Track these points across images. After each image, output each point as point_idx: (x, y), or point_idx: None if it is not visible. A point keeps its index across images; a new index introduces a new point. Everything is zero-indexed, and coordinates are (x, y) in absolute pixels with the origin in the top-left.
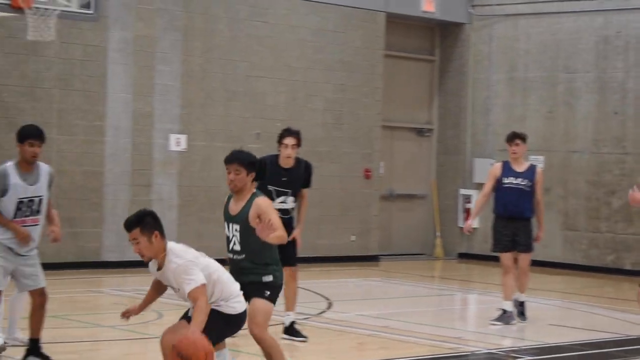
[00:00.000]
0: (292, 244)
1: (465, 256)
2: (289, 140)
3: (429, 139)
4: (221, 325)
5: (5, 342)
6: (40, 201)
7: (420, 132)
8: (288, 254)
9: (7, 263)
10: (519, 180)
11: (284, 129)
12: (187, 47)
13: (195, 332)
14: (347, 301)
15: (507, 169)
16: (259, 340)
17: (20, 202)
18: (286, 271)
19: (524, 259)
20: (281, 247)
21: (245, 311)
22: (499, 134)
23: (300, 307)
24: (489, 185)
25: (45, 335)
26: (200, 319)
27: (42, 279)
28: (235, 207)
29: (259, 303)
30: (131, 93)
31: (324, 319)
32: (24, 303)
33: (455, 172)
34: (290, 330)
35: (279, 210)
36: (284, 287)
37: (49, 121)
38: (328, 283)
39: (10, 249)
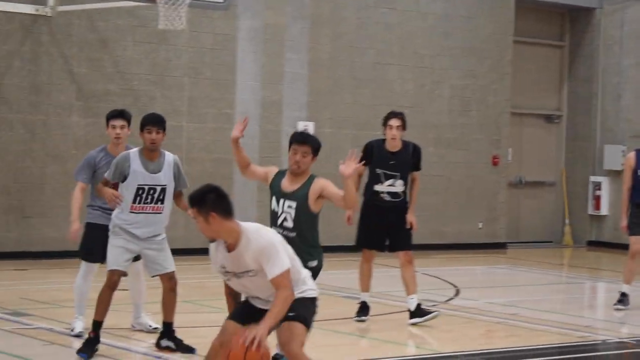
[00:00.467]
0: (407, 228)
1: (594, 244)
2: (394, 122)
3: (558, 126)
4: (313, 310)
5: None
6: (162, 190)
7: (549, 118)
8: (403, 238)
9: (128, 245)
10: None
11: (389, 111)
12: (315, 34)
13: (264, 335)
14: (475, 288)
15: None
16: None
17: (140, 189)
18: (402, 256)
19: None
20: (396, 231)
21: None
22: (630, 120)
23: (428, 294)
24: (628, 176)
25: (176, 320)
26: (280, 309)
27: (170, 264)
28: (290, 185)
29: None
30: (260, 81)
31: (452, 307)
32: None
33: (585, 159)
34: (418, 312)
35: (388, 193)
36: (401, 271)
37: (179, 109)
38: (455, 270)
39: (131, 232)
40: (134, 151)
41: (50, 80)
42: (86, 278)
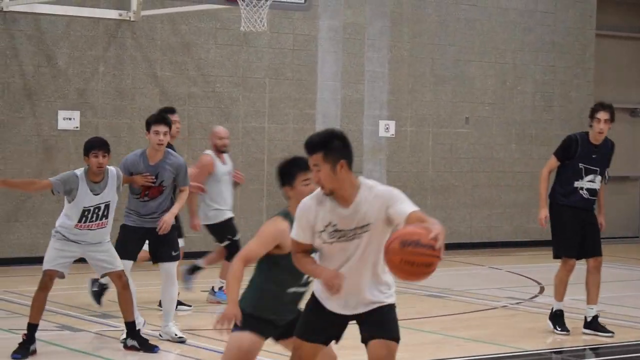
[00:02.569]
0: (597, 232)
1: None
2: (602, 115)
3: None
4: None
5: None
6: (106, 206)
7: (634, 112)
8: (597, 242)
9: (69, 247)
10: None
11: (597, 102)
12: (395, 32)
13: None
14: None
15: None
16: None
17: (86, 210)
18: (592, 262)
19: None
20: (590, 234)
21: None
22: None
23: (512, 292)
24: None
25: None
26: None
27: (117, 263)
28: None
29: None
30: (340, 80)
31: (536, 304)
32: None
33: None
34: (594, 325)
35: (587, 190)
36: (587, 278)
37: (261, 110)
38: (539, 267)
39: (75, 241)
40: (80, 173)
41: (134, 85)
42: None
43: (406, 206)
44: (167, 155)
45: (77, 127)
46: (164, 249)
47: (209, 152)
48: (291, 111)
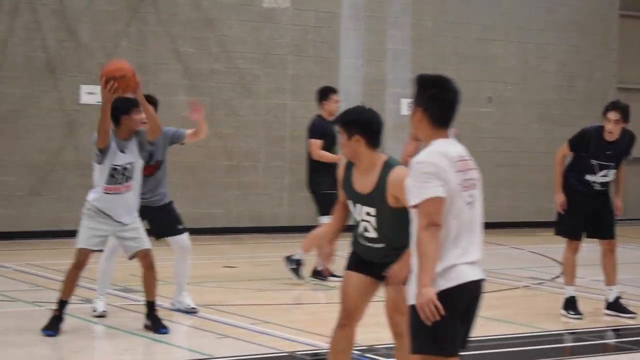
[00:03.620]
0: (611, 215)
1: None
2: (612, 115)
3: None
4: None
5: (104, 311)
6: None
7: None
8: (610, 225)
9: (101, 226)
10: None
11: (611, 101)
12: (418, 10)
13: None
14: (581, 266)
15: None
16: (400, 337)
17: (114, 169)
18: (606, 244)
19: None
20: (602, 217)
21: None
22: None
23: (534, 272)
24: None
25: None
26: None
27: (144, 242)
28: (362, 181)
29: (405, 291)
30: (362, 58)
31: (558, 284)
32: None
33: None
34: (615, 306)
35: (600, 183)
36: (602, 260)
37: (283, 87)
38: (561, 248)
39: (106, 214)
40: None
41: (157, 60)
42: (110, 257)
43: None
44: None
45: (99, 102)
46: (167, 224)
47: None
48: (313, 88)
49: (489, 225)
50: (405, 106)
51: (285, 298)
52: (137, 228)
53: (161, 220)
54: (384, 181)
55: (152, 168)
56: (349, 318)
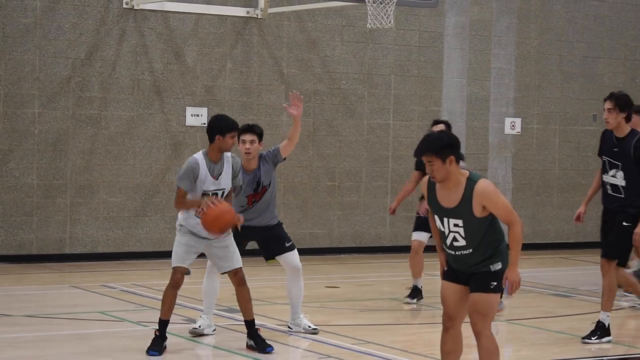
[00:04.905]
0: (618, 232)
1: None
2: (606, 104)
3: None
4: None
5: (199, 326)
6: (223, 194)
7: None
8: (607, 243)
9: (193, 243)
10: None
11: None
12: (522, 29)
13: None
14: None
15: None
16: (478, 336)
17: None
18: (602, 263)
19: None
20: (613, 235)
21: None
22: None
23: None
24: None
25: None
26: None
27: (235, 261)
28: (448, 197)
29: (484, 296)
30: (466, 77)
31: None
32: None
33: None
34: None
35: (610, 185)
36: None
37: (386, 107)
38: None
39: (197, 233)
40: (200, 156)
41: (261, 81)
42: (210, 275)
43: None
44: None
45: (204, 124)
46: (276, 244)
47: None
48: (416, 108)
49: (594, 245)
50: (509, 125)
51: (387, 318)
52: (227, 246)
53: (270, 241)
54: (469, 194)
55: (259, 194)
56: (451, 321)
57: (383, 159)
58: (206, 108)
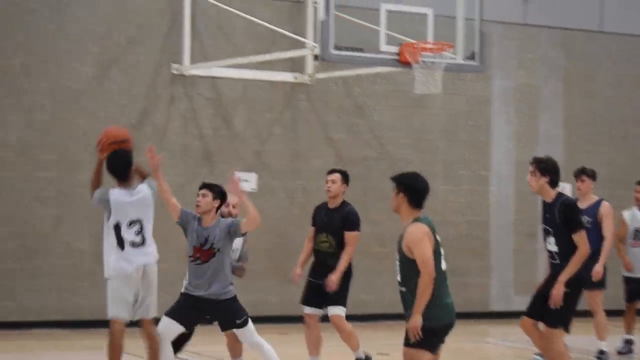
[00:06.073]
0: (553, 303)
1: None
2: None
3: None
4: None
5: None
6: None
7: None
8: (547, 309)
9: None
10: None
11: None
12: (569, 93)
13: None
14: None
15: None
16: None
17: None
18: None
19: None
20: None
21: None
22: None
23: None
24: None
25: None
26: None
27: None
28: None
29: (404, 350)
30: (514, 141)
31: None
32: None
33: None
34: None
35: (548, 251)
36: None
37: (434, 172)
38: None
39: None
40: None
41: (309, 147)
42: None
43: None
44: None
45: (253, 189)
46: (226, 318)
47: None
48: (465, 173)
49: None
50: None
51: None
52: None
53: (220, 314)
54: (403, 233)
55: (205, 254)
56: None
57: None
58: (255, 173)
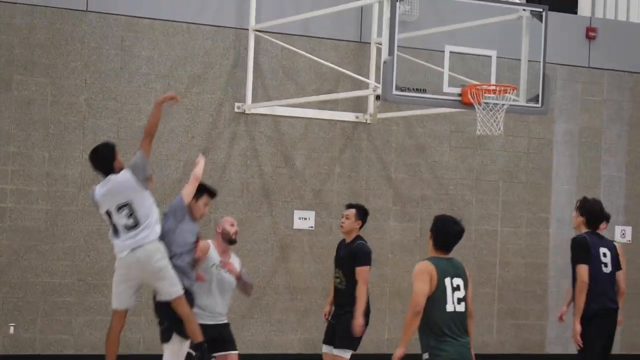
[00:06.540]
0: None
1: None
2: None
3: None
4: None
5: None
6: None
7: None
8: None
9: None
10: None
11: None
12: (633, 137)
13: None
14: None
15: None
16: None
17: None
18: None
19: None
20: None
21: None
22: None
23: None
24: None
25: None
26: None
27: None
28: None
29: None
30: (575, 184)
31: None
32: None
33: None
34: None
35: None
36: None
37: (494, 213)
38: None
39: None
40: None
41: (369, 186)
42: None
43: None
44: None
45: (311, 227)
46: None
47: None
48: (524, 214)
49: None
50: (619, 233)
51: None
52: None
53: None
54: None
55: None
56: None
57: (490, 265)
58: (314, 212)
